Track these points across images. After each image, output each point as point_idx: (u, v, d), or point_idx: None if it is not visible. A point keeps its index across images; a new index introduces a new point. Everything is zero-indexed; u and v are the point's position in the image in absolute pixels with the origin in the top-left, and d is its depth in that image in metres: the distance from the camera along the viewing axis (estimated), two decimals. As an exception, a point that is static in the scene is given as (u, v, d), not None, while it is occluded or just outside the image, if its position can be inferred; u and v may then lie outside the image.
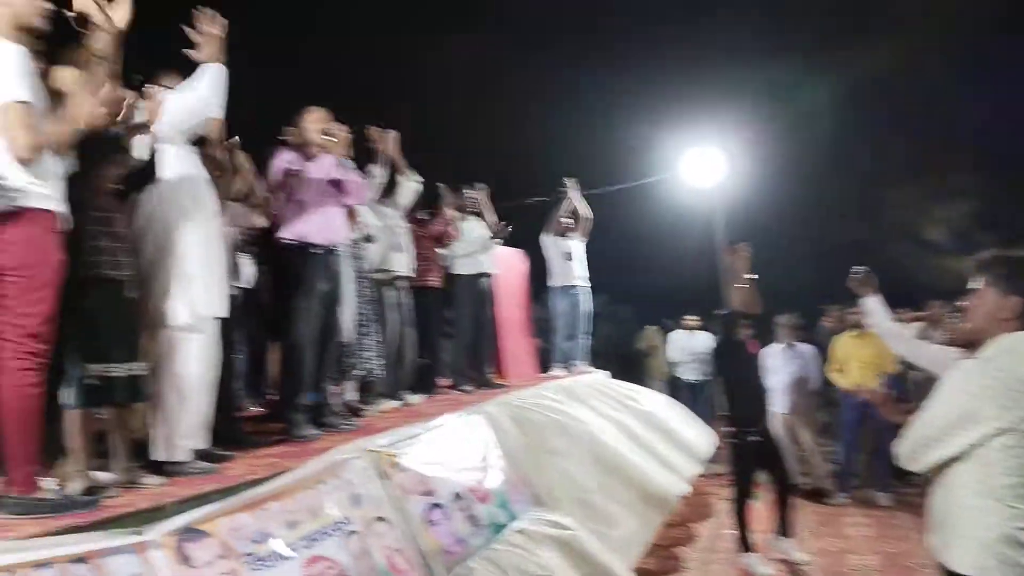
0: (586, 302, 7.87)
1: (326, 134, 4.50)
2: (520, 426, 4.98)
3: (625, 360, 12.62)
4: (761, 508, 5.70)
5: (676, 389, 10.83)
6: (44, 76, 2.81)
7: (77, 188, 2.84)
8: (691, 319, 11.11)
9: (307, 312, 4.28)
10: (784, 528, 5.49)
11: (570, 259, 7.77)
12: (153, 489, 2.98)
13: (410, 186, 5.83)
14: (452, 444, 4.04)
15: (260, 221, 4.66)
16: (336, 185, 4.44)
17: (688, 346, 10.93)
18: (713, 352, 6.32)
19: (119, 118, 3.01)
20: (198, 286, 3.36)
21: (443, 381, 6.80)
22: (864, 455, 7.31)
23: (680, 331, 11.18)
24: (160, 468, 3.24)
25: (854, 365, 7.14)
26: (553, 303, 7.89)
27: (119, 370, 2.96)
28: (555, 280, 7.83)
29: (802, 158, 14.18)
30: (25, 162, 2.48)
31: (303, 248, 4.31)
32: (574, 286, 7.79)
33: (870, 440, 7.15)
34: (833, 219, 15.49)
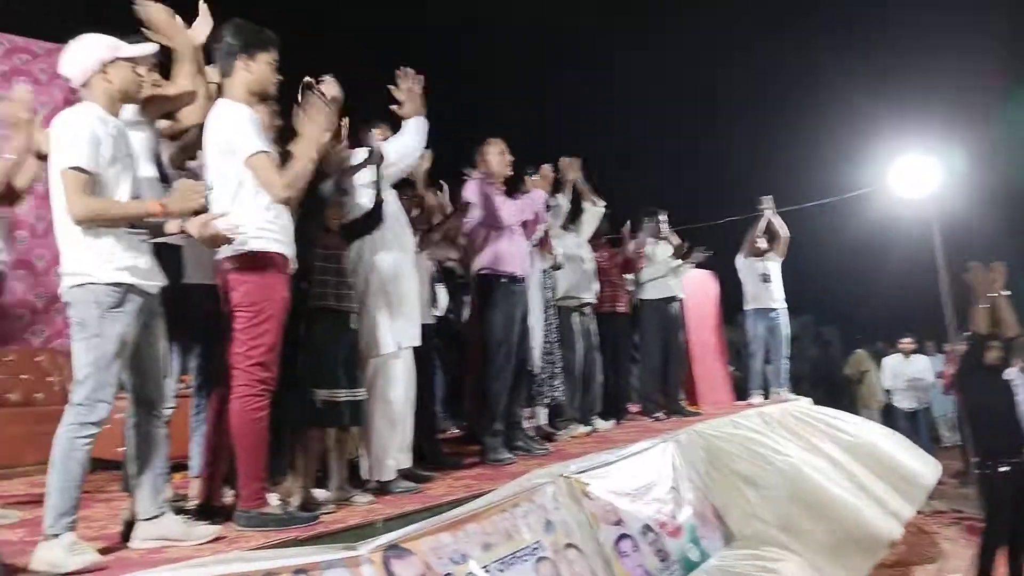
0: (785, 325, 7.53)
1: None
2: (713, 456, 4.84)
3: (832, 386, 11.86)
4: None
5: (891, 418, 10.04)
6: (283, 135, 3.19)
7: (308, 228, 3.18)
8: (907, 342, 10.27)
9: (501, 339, 4.44)
10: (1022, 579, 4.88)
11: (767, 281, 7.47)
12: (363, 507, 3.21)
13: (595, 212, 5.90)
14: (642, 473, 4.01)
15: (454, 253, 4.91)
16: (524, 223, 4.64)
17: (904, 371, 10.11)
18: (957, 377, 5.80)
19: (337, 165, 3.35)
20: (400, 317, 3.61)
21: (633, 407, 6.76)
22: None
23: (895, 355, 10.36)
24: (370, 487, 3.48)
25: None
26: (749, 326, 7.62)
27: (344, 395, 3.23)
28: (751, 303, 7.56)
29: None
30: (286, 201, 2.80)
31: (497, 277, 4.49)
32: (772, 308, 7.49)
33: None
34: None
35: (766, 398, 7.43)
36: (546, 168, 4.82)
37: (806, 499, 4.85)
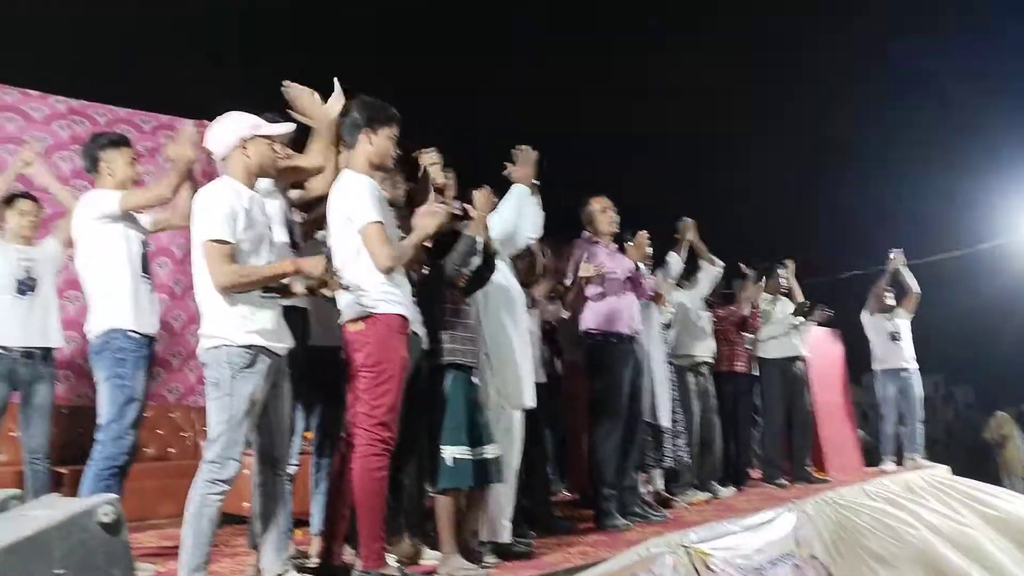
0: (917, 385, 7.11)
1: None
2: (841, 528, 4.58)
3: (970, 452, 11.03)
4: None
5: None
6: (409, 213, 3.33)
7: (435, 286, 3.26)
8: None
9: (609, 400, 4.37)
10: None
11: (896, 339, 7.14)
12: (483, 571, 3.13)
13: (713, 272, 5.78)
14: (766, 546, 3.80)
15: (563, 313, 4.88)
16: (631, 281, 4.57)
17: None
18: None
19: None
20: (515, 377, 3.61)
21: (754, 473, 6.47)
22: None
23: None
24: (489, 548, 3.40)
25: None
26: (879, 388, 7.27)
27: (471, 453, 3.19)
28: (880, 363, 7.25)
29: None
30: (388, 271, 2.89)
31: (604, 336, 4.43)
32: (903, 368, 7.12)
33: None
34: None
35: (899, 464, 6.98)
36: (641, 236, 4.68)
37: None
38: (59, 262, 3.98)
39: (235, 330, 2.56)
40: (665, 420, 4.86)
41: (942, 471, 6.76)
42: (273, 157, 2.81)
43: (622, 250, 4.73)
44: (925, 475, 6.31)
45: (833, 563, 4.24)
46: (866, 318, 7.25)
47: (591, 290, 4.46)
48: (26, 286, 3.79)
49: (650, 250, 4.80)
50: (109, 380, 3.13)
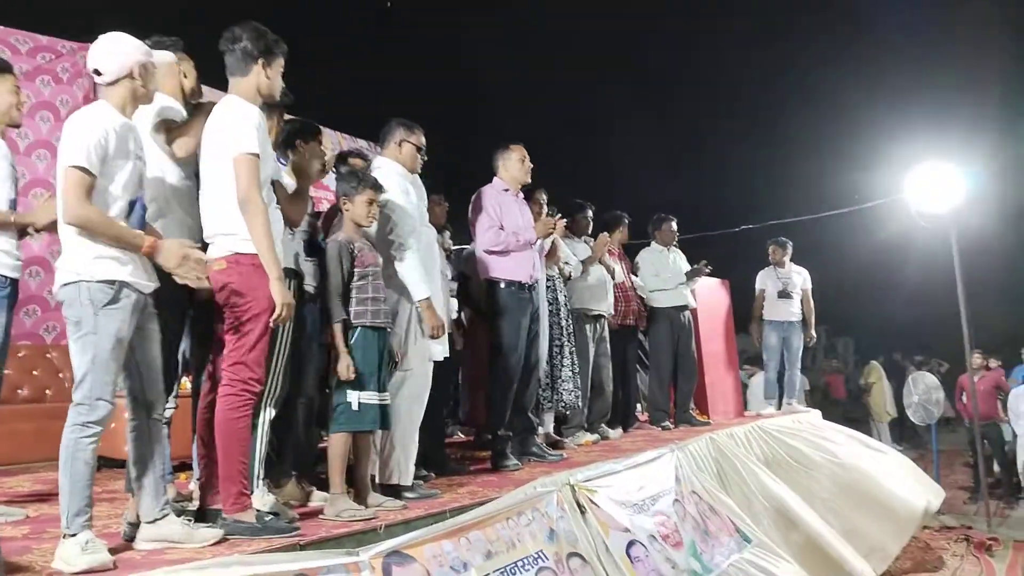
0: (799, 336, 7.52)
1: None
2: (722, 467, 4.82)
3: (848, 399, 11.77)
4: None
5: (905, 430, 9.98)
6: None
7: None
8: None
9: (508, 345, 4.44)
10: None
11: (783, 291, 7.47)
12: (360, 512, 3.13)
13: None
14: (648, 484, 3.98)
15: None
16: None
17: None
18: None
19: None
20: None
21: (641, 416, 6.71)
22: None
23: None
24: (392, 492, 3.42)
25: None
26: (764, 337, 7.62)
27: (377, 398, 3.23)
28: (768, 314, 7.58)
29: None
30: (241, 205, 2.69)
31: (503, 285, 4.48)
32: (788, 321, 7.50)
33: None
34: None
35: (778, 409, 7.40)
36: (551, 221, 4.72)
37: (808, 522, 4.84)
38: None
39: (93, 264, 2.39)
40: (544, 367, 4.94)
41: (814, 415, 7.21)
42: (155, 84, 2.64)
43: (526, 199, 4.78)
44: (799, 418, 6.71)
45: (714, 498, 4.47)
46: (762, 271, 7.60)
47: (491, 238, 4.47)
48: None
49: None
50: None
